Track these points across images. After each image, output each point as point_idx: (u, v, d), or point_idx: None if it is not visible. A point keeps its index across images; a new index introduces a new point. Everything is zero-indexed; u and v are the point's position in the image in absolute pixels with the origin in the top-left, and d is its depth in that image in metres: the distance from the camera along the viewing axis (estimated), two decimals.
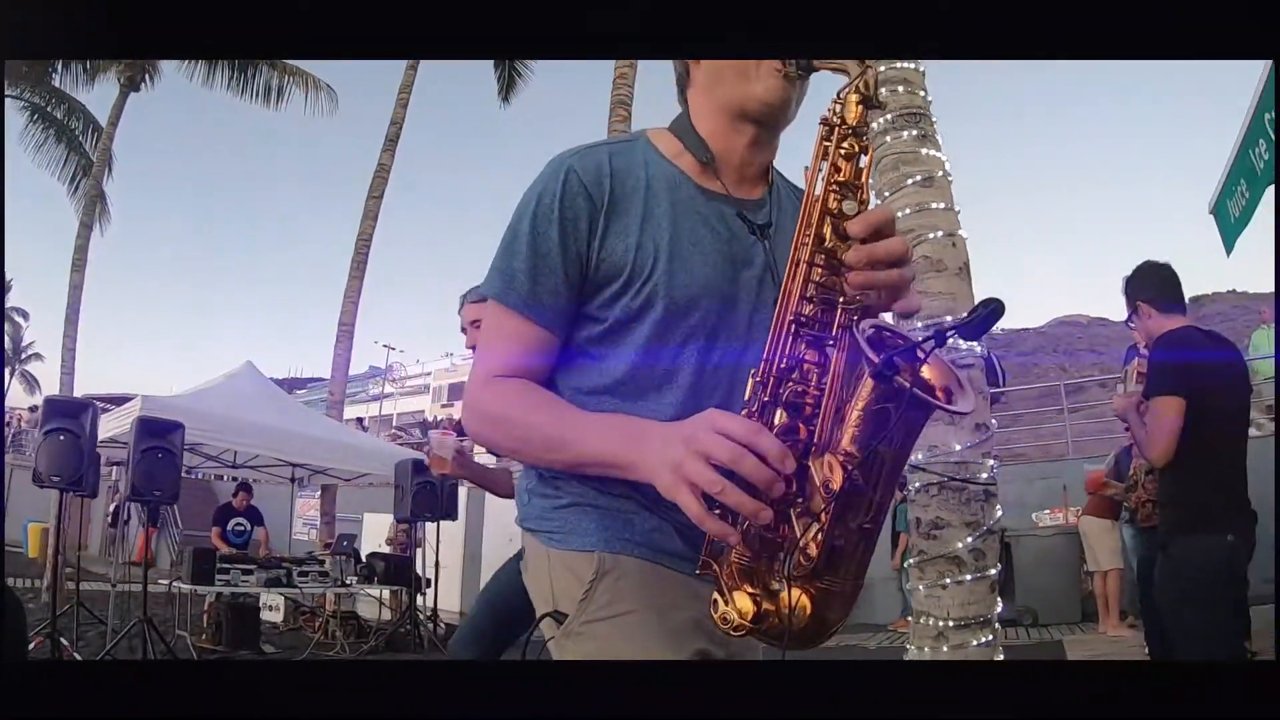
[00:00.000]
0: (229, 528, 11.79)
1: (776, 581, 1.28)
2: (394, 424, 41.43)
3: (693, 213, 1.57)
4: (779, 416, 1.30)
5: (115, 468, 11.60)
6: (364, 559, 11.44)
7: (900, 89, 4.97)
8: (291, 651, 9.44)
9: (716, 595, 1.30)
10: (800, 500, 1.26)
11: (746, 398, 1.33)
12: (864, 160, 1.38)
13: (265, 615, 11.12)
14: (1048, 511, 11.83)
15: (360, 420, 25.89)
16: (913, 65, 5.05)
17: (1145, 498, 6.11)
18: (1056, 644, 9.45)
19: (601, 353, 1.57)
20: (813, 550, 1.24)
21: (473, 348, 3.46)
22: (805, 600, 1.26)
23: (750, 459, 1.19)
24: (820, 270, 1.33)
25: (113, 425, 9.64)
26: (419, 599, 10.60)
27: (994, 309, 1.20)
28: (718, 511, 1.23)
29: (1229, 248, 5.52)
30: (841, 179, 1.36)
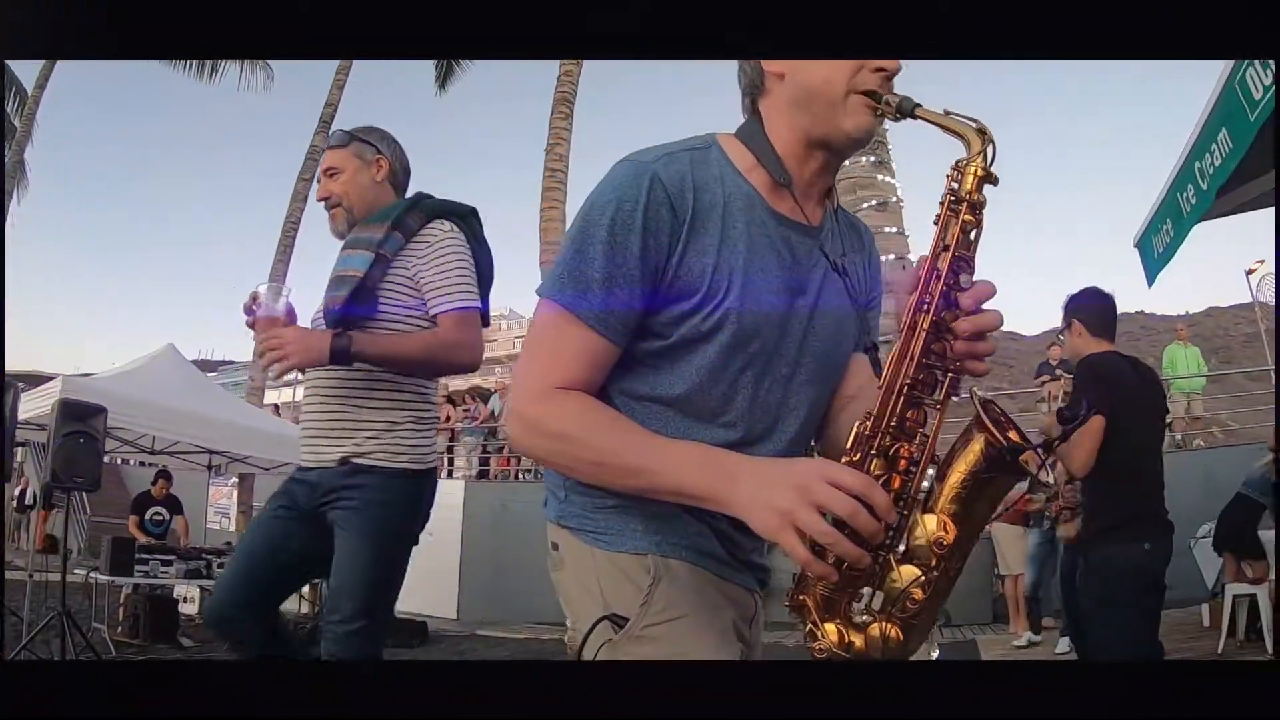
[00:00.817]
0: (147, 517, 11.39)
1: (862, 615, 1.36)
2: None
3: (764, 236, 1.56)
4: (876, 466, 1.35)
5: (20, 449, 11.29)
6: None
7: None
8: (210, 646, 9.22)
9: (811, 626, 1.38)
10: (890, 542, 1.33)
11: (849, 445, 1.37)
12: (977, 236, 1.41)
13: (182, 608, 10.87)
14: None
15: (275, 408, 25.33)
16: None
17: (1065, 505, 6.35)
18: (970, 643, 9.73)
19: (660, 366, 1.55)
20: (918, 595, 1.32)
21: (324, 199, 3.23)
22: (896, 631, 1.34)
23: (865, 515, 1.22)
24: (932, 337, 1.37)
25: (31, 406, 9.29)
26: None
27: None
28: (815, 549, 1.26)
29: (1151, 281, 5.74)
30: (960, 253, 1.39)
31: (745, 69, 1.66)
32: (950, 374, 1.38)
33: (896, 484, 1.35)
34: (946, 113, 1.44)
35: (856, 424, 1.37)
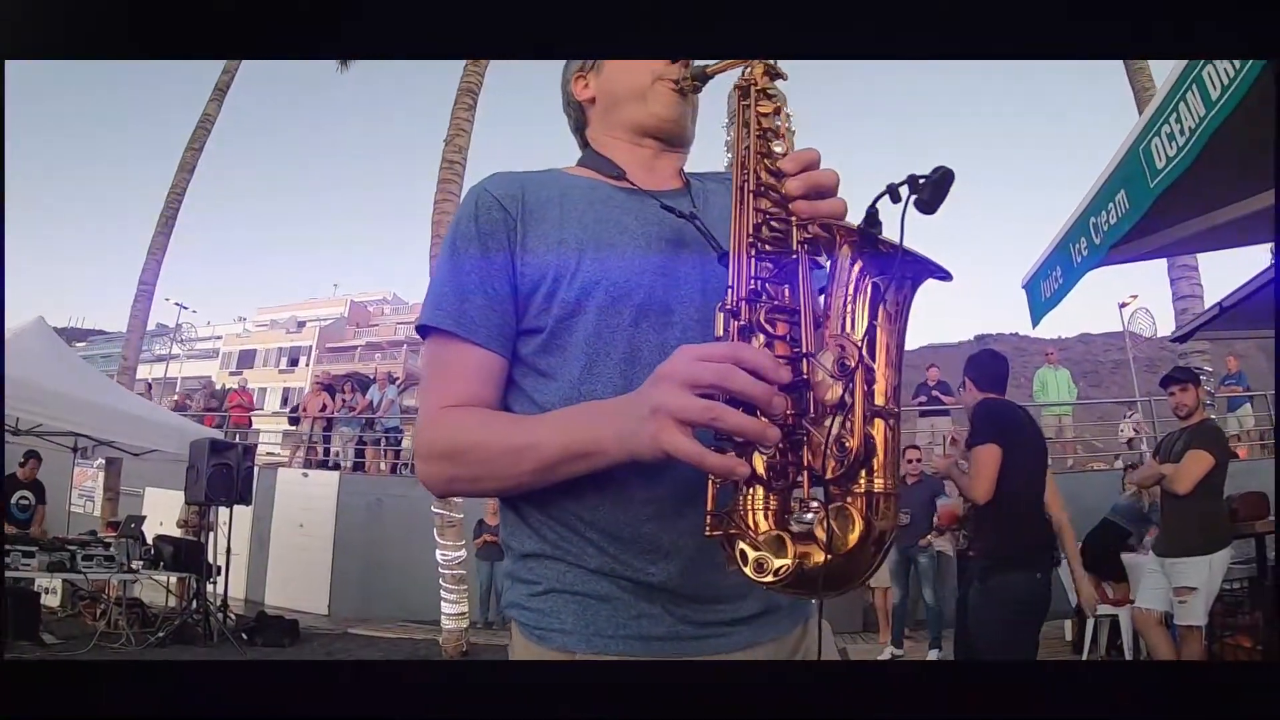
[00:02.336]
0: (13, 501, 10.88)
1: (803, 515, 1.12)
2: (178, 388, 39.61)
3: (613, 206, 1.55)
4: (757, 341, 1.19)
5: None
6: (150, 542, 10.90)
7: (775, 145, 5.07)
8: (74, 642, 8.91)
9: (743, 547, 1.14)
10: (806, 417, 1.13)
11: (719, 333, 1.22)
12: (780, 115, 1.40)
13: (44, 600, 10.46)
14: None
15: (148, 385, 24.62)
16: (786, 124, 5.13)
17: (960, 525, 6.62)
18: (841, 650, 9.94)
19: (551, 362, 1.47)
20: (849, 440, 1.10)
21: None
22: (851, 512, 1.11)
23: (740, 373, 1.08)
24: (765, 201, 1.31)
25: None
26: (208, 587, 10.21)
27: (945, 172, 1.13)
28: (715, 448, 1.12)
29: (1036, 321, 5.96)
30: (765, 127, 1.38)
31: (570, 111, 1.78)
32: (799, 228, 1.28)
33: (787, 350, 1.19)
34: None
35: (716, 307, 1.24)
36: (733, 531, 1.16)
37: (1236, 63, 2.97)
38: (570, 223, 1.50)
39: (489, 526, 12.25)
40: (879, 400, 1.13)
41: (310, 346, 58.47)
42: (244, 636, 10.26)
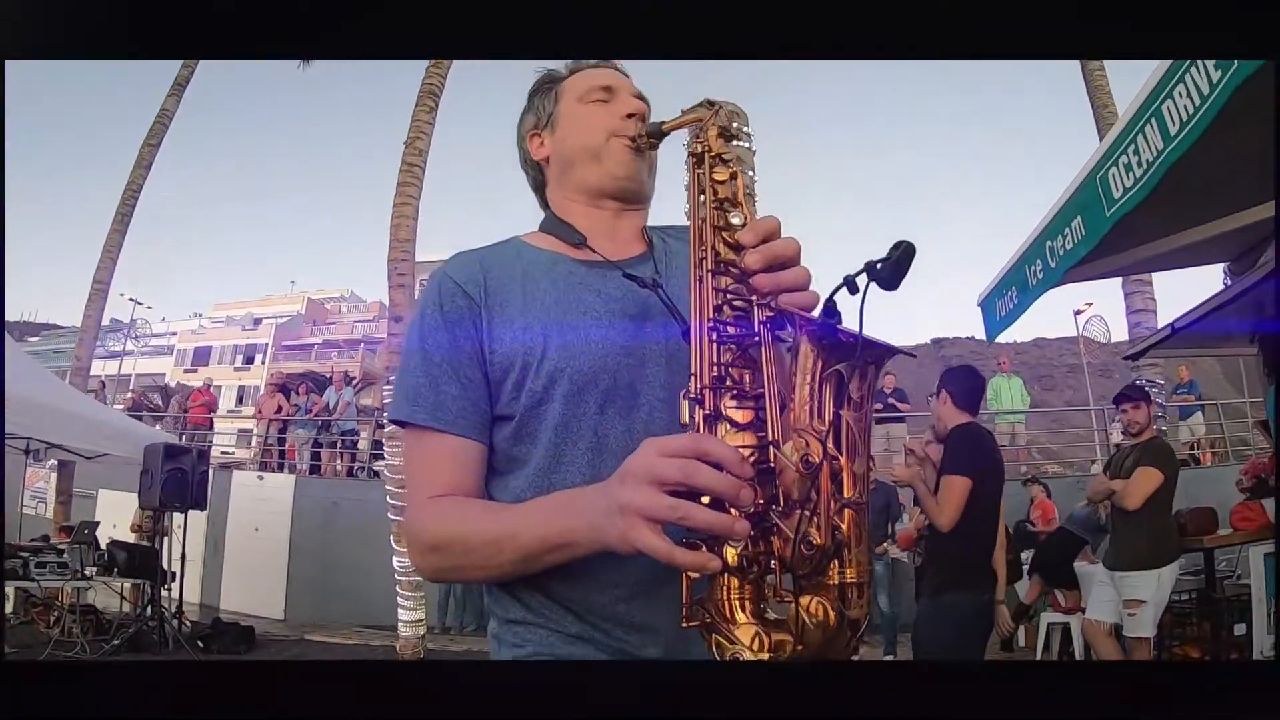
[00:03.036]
0: None
1: (779, 598, 1.13)
2: (131, 385, 39.12)
3: (575, 284, 1.54)
4: (722, 430, 1.18)
5: None
6: (104, 547, 10.73)
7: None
8: (27, 651, 8.77)
9: (719, 639, 1.15)
10: (775, 507, 1.13)
11: (684, 420, 1.20)
12: (737, 182, 1.39)
13: None
14: None
15: (102, 384, 24.34)
16: (747, 145, 5.16)
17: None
18: None
19: (522, 449, 1.48)
20: (815, 537, 1.09)
21: None
22: (823, 604, 1.11)
23: (704, 469, 1.07)
24: (725, 279, 1.29)
25: None
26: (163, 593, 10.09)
27: (906, 249, 1.12)
28: (686, 543, 1.11)
29: (991, 339, 6.06)
30: (721, 196, 1.36)
31: (527, 170, 1.79)
32: (761, 307, 1.26)
33: (754, 441, 1.18)
34: (681, 112, 1.48)
35: (680, 395, 1.23)
36: (708, 621, 1.16)
37: (1196, 99, 3.01)
38: (534, 306, 1.50)
39: None
40: (847, 492, 1.12)
41: (266, 344, 57.83)
42: (199, 644, 10.16)
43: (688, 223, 1.39)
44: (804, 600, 1.11)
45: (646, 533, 1.10)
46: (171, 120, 18.44)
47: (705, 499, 1.09)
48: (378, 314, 52.62)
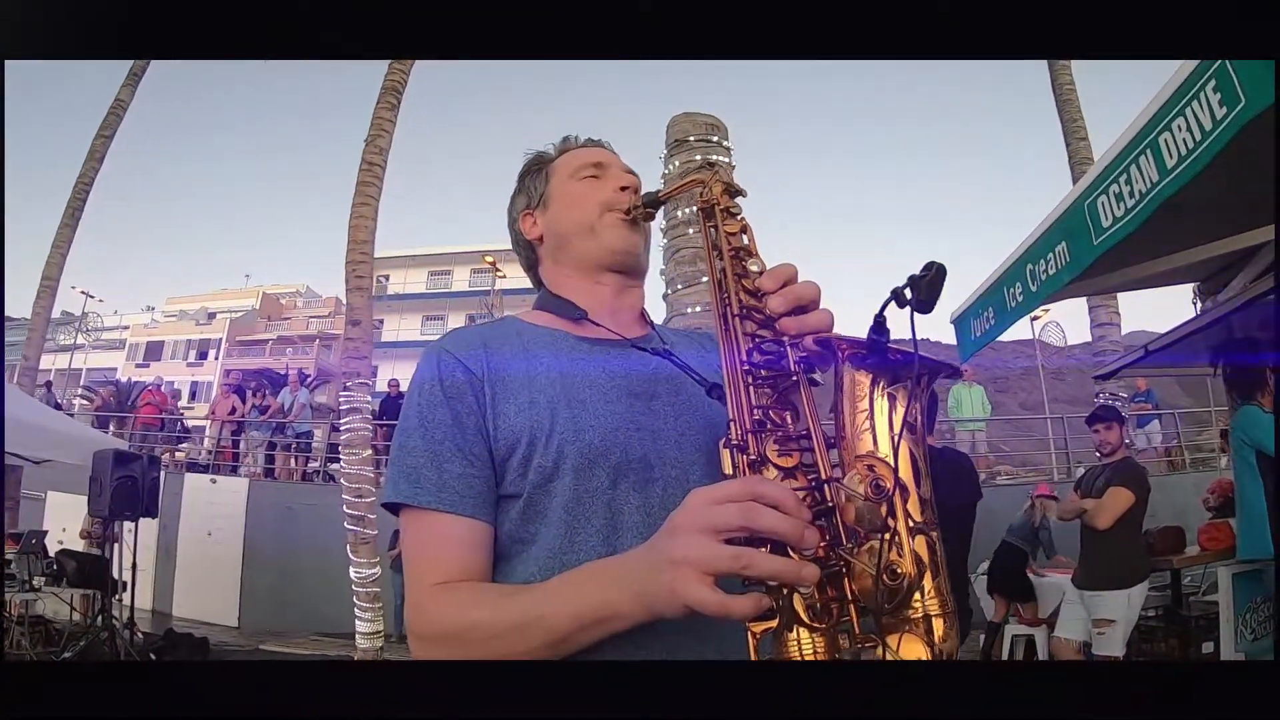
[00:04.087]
0: None
1: (861, 644, 1.06)
2: (82, 380, 38.55)
3: (579, 360, 1.51)
4: (769, 474, 1.13)
5: None
6: (52, 556, 10.48)
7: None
8: None
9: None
10: (840, 546, 1.06)
11: (727, 470, 1.15)
12: (747, 236, 1.40)
13: None
14: None
15: (48, 384, 23.83)
16: (725, 159, 5.13)
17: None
18: None
19: (531, 529, 1.39)
20: (901, 566, 1.04)
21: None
22: (914, 640, 1.05)
23: (766, 510, 1.00)
24: (751, 323, 1.28)
25: None
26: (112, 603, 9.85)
27: (938, 269, 1.09)
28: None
29: (964, 359, 6.08)
30: (735, 246, 1.38)
31: (520, 250, 1.78)
32: (792, 348, 1.25)
33: (804, 481, 1.12)
34: (681, 177, 1.52)
35: (720, 444, 1.18)
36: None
37: (1196, 134, 2.96)
38: (538, 380, 1.46)
39: None
40: (917, 517, 1.08)
41: (220, 339, 57.15)
42: (152, 656, 9.96)
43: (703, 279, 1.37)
44: (892, 640, 1.05)
45: (698, 586, 1.01)
46: (126, 111, 18.16)
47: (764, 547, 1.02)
48: (333, 310, 52.22)
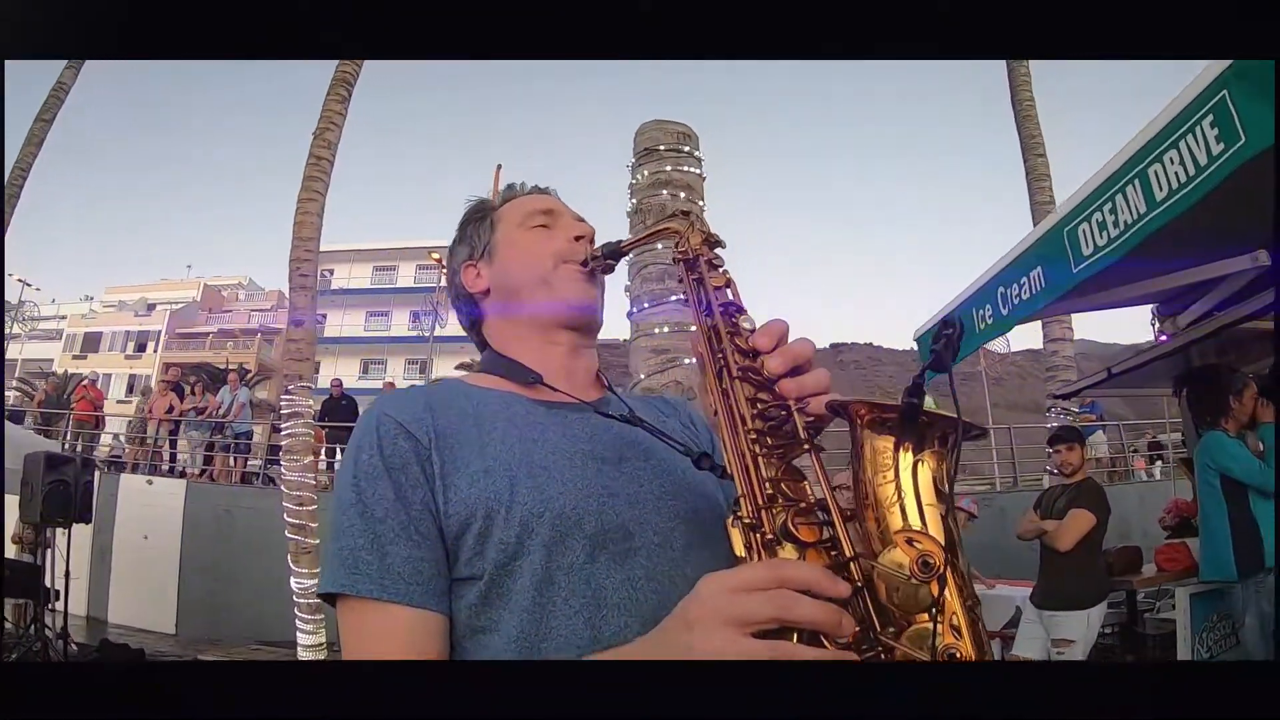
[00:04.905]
0: None
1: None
2: (17, 372, 37.82)
3: (536, 424, 1.37)
4: (788, 554, 1.03)
5: None
6: None
7: (682, 195, 4.94)
8: None
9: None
10: (876, 631, 0.97)
11: (740, 552, 1.05)
12: (732, 291, 1.30)
13: None
14: None
15: None
16: (696, 171, 5.04)
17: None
18: None
19: (493, 616, 1.23)
20: (960, 650, 0.97)
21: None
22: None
23: (799, 598, 0.91)
24: (750, 387, 1.17)
25: None
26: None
27: (954, 330, 1.07)
28: None
29: (928, 381, 6.14)
30: (725, 301, 1.28)
31: (461, 306, 1.64)
32: (799, 413, 1.14)
33: (827, 559, 1.03)
34: (645, 225, 1.42)
35: (728, 523, 1.08)
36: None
37: (1190, 168, 2.91)
38: (493, 445, 1.31)
39: None
40: (963, 591, 0.99)
41: (159, 331, 56.24)
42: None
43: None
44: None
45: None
46: (68, 95, 17.81)
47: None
48: (276, 303, 51.68)
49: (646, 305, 4.91)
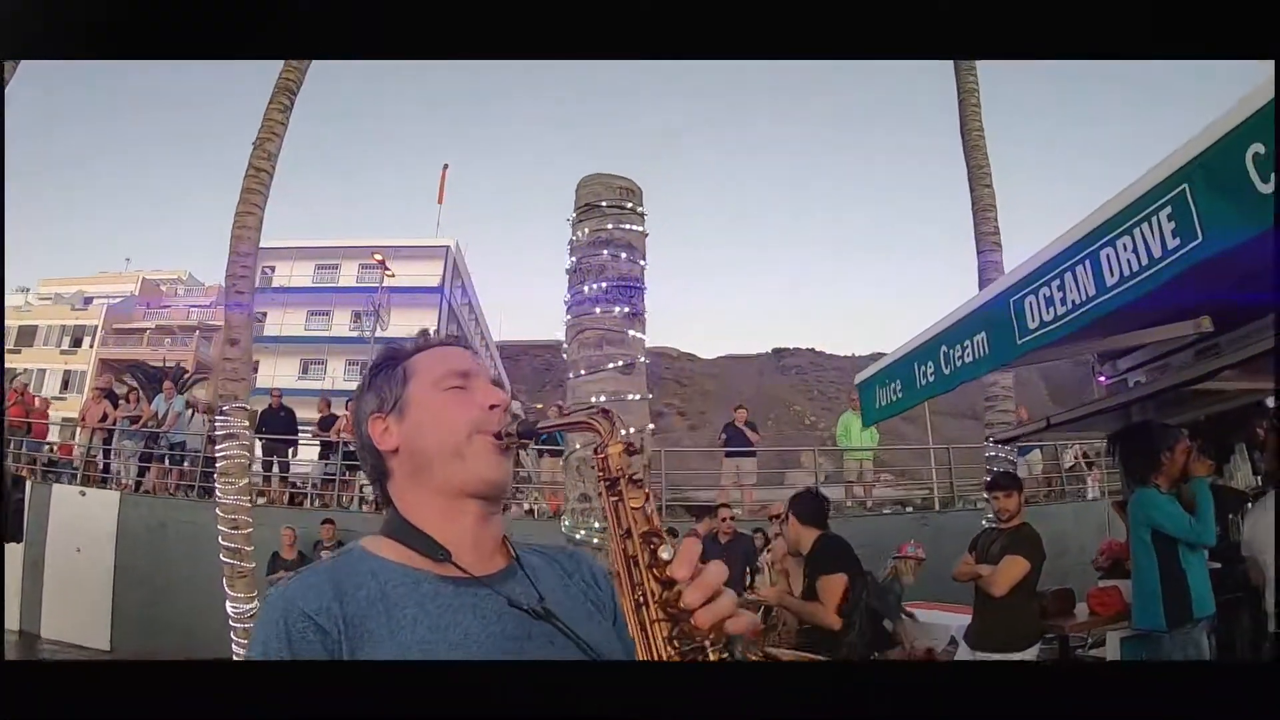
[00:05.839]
0: None
1: None
2: None
3: (446, 607, 1.37)
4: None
5: None
6: None
7: (623, 255, 4.88)
8: None
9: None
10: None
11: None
12: (649, 506, 1.30)
13: None
14: None
15: None
16: (639, 228, 4.99)
17: None
18: None
19: None
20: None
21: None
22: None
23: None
24: (668, 624, 1.22)
25: None
26: None
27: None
28: None
29: (866, 425, 6.27)
30: (645, 530, 1.28)
31: (365, 458, 1.58)
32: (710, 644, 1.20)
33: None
34: (561, 410, 1.35)
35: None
36: None
37: (1143, 258, 2.89)
38: (403, 631, 1.31)
39: (285, 562, 11.71)
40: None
41: (96, 326, 55.15)
42: None
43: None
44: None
45: None
46: (7, 81, 17.40)
47: None
48: (216, 298, 50.78)
49: (584, 372, 4.85)
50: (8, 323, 55.65)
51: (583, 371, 4.75)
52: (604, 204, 4.82)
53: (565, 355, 5.02)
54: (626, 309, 4.75)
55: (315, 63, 12.25)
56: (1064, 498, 16.76)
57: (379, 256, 38.06)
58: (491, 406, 1.50)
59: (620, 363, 4.72)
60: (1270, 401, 5.89)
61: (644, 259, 5.02)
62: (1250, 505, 5.46)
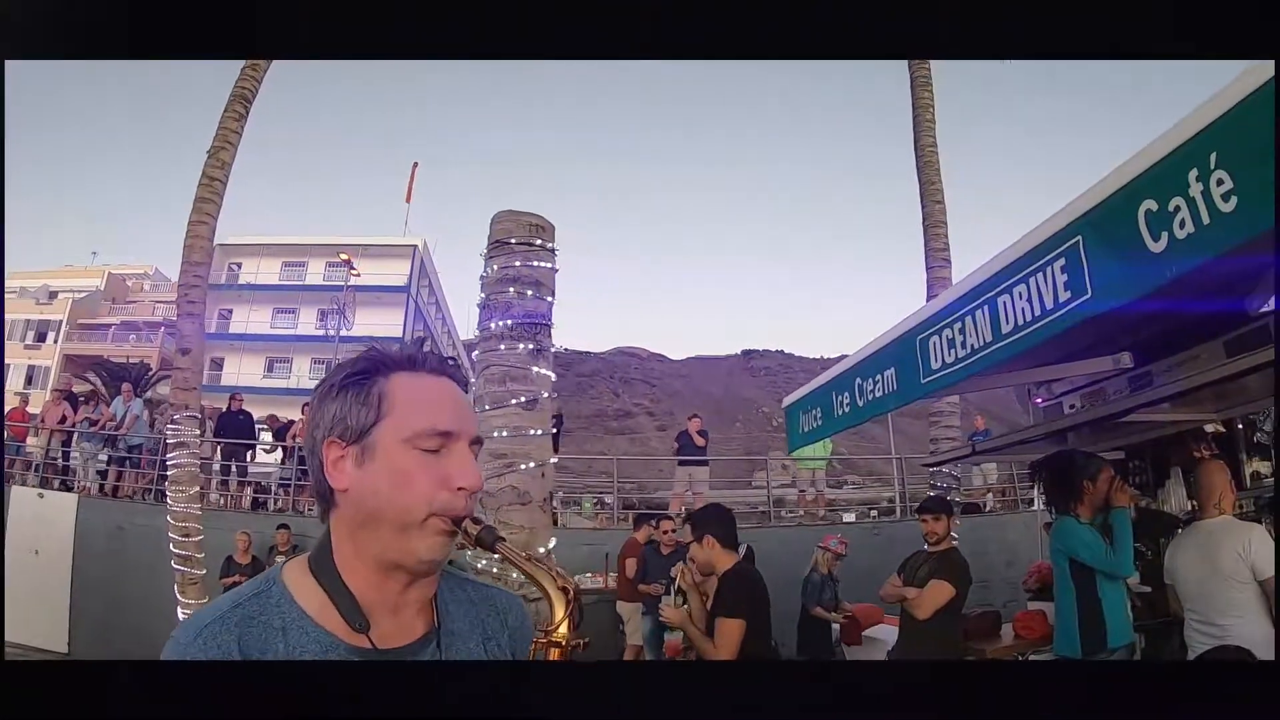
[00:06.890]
0: None
1: None
2: None
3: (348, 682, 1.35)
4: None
5: None
6: None
7: (530, 292, 4.96)
8: None
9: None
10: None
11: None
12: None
13: None
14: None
15: None
16: (548, 265, 5.05)
17: None
18: None
19: None
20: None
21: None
22: None
23: None
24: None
25: None
26: None
27: None
28: None
29: (790, 450, 6.25)
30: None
31: (312, 470, 1.45)
32: None
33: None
34: (529, 558, 1.43)
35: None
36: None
37: (1035, 308, 2.89)
38: None
39: (239, 566, 11.68)
40: None
41: (60, 321, 54.45)
42: None
43: None
44: None
45: None
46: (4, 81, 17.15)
47: None
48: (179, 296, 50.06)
49: (489, 407, 4.91)
50: None
51: (487, 406, 4.82)
52: (513, 241, 4.87)
53: (471, 390, 5.05)
54: (531, 345, 4.81)
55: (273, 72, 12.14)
56: (1017, 508, 16.81)
57: (344, 255, 37.82)
58: (459, 488, 1.39)
59: (523, 399, 4.79)
60: (1209, 427, 6.01)
61: (552, 295, 5.06)
62: (1180, 531, 5.48)
